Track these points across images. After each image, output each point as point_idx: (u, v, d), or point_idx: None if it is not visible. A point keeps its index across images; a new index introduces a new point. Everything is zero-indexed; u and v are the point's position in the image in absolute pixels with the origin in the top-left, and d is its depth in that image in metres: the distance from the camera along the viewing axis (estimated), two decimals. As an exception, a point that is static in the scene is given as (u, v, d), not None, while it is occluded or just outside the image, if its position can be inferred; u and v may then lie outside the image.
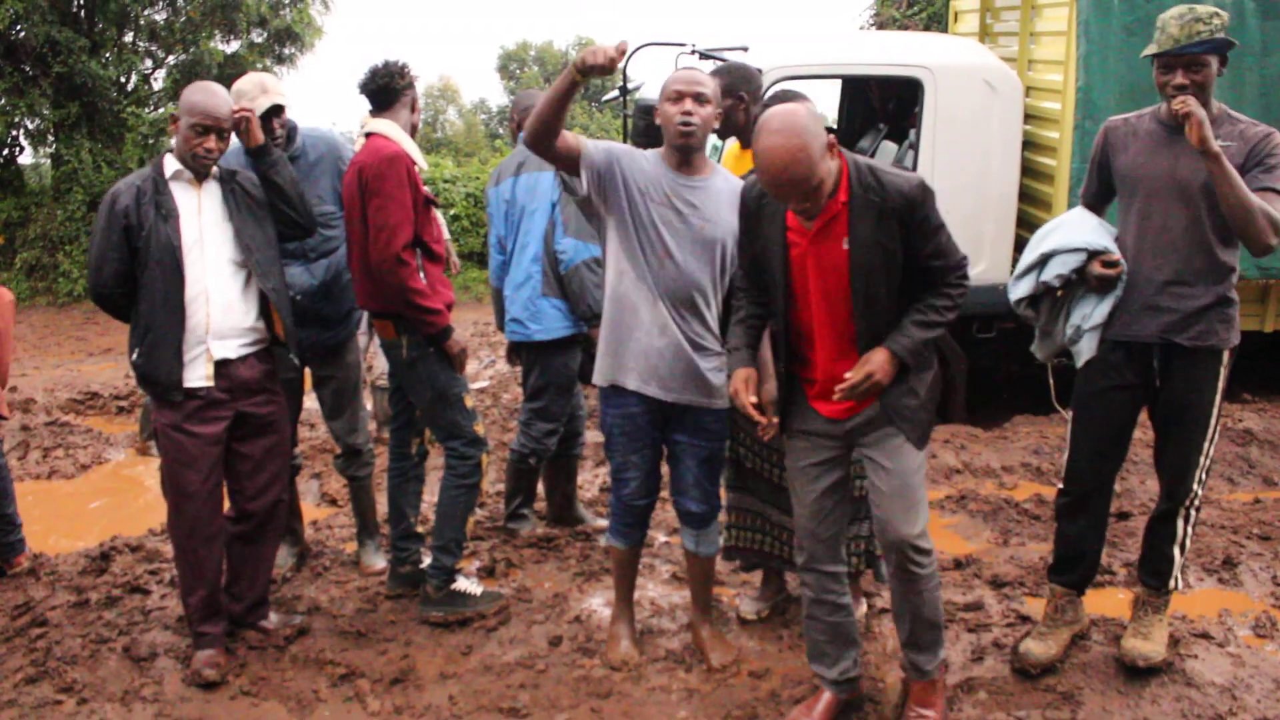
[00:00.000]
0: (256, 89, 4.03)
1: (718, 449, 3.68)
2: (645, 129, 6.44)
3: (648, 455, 3.66)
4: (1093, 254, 3.52)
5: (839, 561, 3.33)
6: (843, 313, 3.02)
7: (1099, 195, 3.70)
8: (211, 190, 3.73)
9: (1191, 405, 3.49)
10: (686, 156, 3.45)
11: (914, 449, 3.13)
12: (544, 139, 3.29)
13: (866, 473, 3.24)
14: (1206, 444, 3.51)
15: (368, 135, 3.91)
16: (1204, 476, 3.55)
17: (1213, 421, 3.49)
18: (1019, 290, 3.69)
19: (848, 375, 2.96)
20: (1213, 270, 3.40)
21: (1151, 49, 3.38)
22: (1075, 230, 3.62)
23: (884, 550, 3.25)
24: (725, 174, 3.60)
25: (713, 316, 3.55)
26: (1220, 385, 3.47)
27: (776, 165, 2.78)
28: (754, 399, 3.13)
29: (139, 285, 3.62)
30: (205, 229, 3.67)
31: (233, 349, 3.71)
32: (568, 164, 3.38)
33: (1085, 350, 3.58)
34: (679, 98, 3.39)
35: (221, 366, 3.68)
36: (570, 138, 3.33)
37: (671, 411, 3.58)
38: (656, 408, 3.56)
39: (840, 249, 2.96)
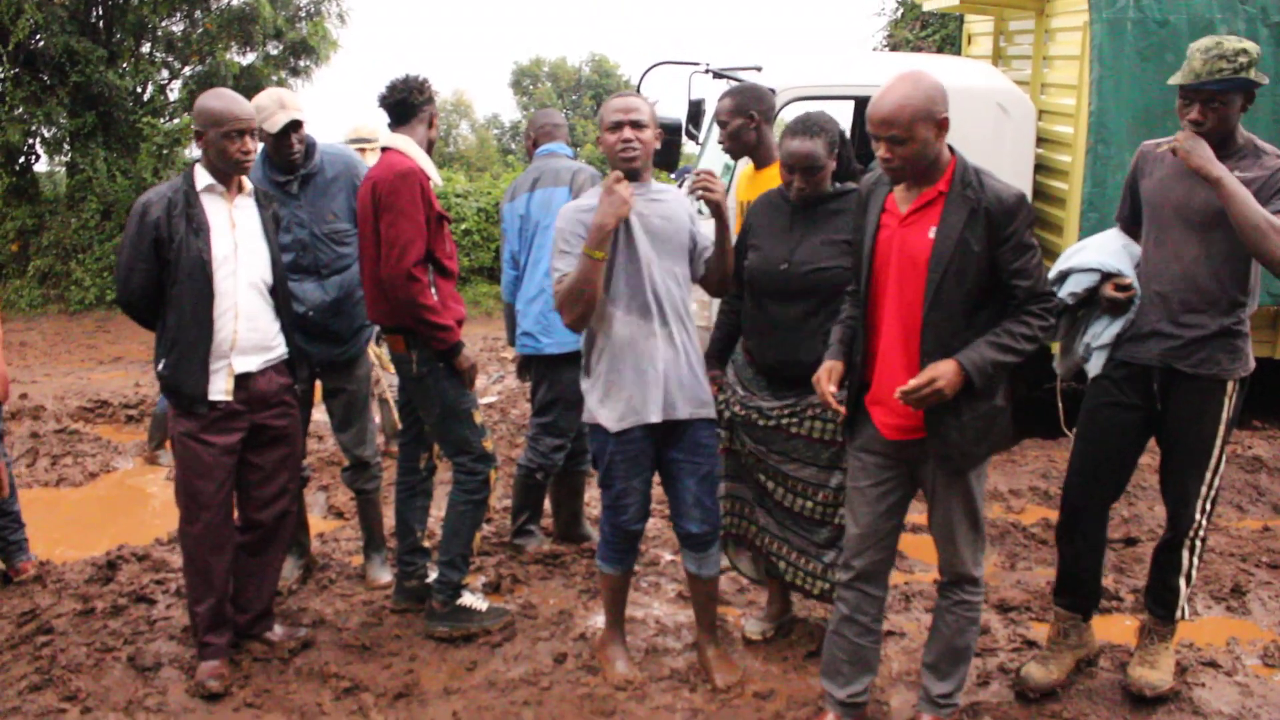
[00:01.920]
0: (275, 104, 4.07)
1: (714, 464, 3.70)
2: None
3: (646, 479, 3.68)
4: (1106, 276, 3.56)
5: (882, 587, 3.33)
6: (914, 306, 3.01)
7: (1131, 218, 3.71)
8: (245, 206, 3.75)
9: (1192, 433, 3.47)
10: (635, 178, 3.52)
11: (959, 483, 3.12)
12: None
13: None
14: (1209, 473, 3.49)
15: (383, 150, 3.92)
16: (1209, 506, 3.53)
17: (1215, 451, 3.47)
18: None
19: (912, 380, 2.93)
20: (1219, 300, 3.38)
21: (1176, 78, 3.38)
22: (1096, 251, 3.68)
23: (939, 570, 3.32)
24: (663, 185, 3.69)
25: (691, 321, 3.64)
26: (1224, 415, 3.44)
27: (885, 97, 2.91)
28: (834, 388, 3.20)
29: (168, 297, 3.63)
30: (239, 244, 3.69)
31: (254, 363, 3.73)
32: None
33: (1094, 369, 3.63)
34: (618, 127, 3.48)
35: (241, 379, 3.70)
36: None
37: (670, 432, 3.59)
38: (656, 430, 3.58)
39: (926, 237, 2.98)
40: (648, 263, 3.51)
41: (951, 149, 3.02)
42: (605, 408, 3.57)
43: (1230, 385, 3.43)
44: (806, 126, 3.56)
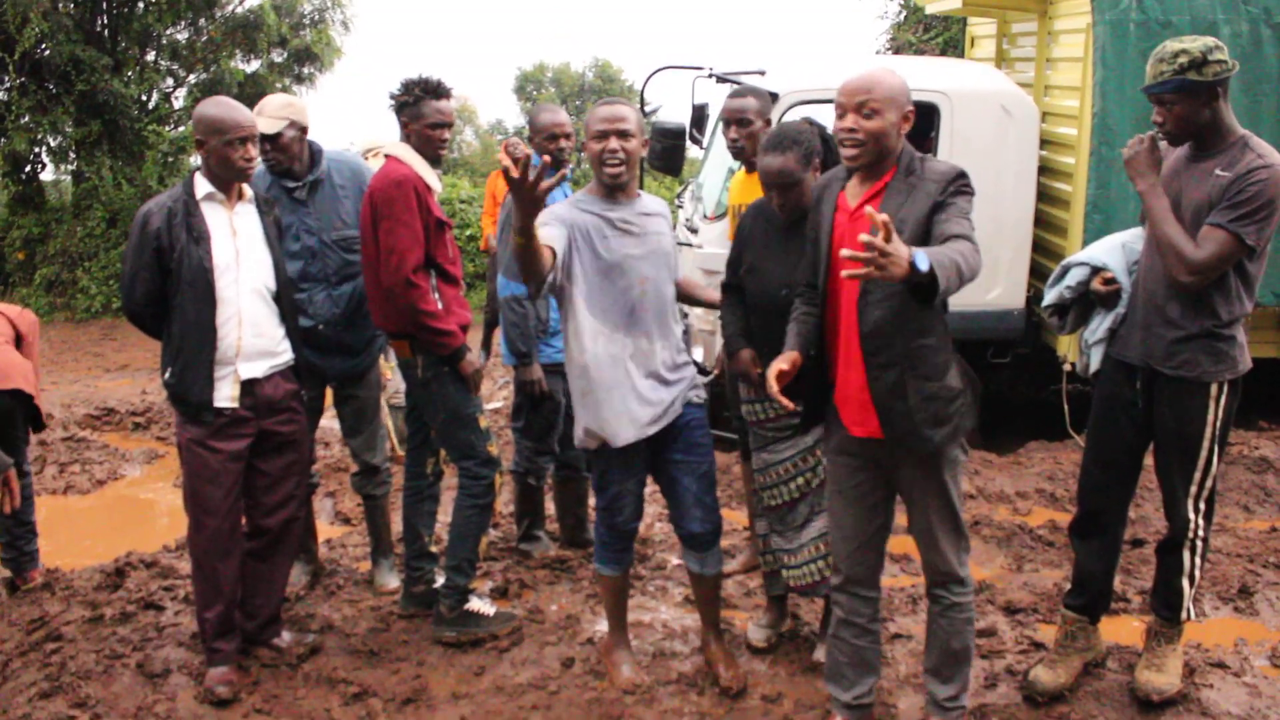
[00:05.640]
0: (275, 108, 4.09)
1: (711, 462, 3.69)
2: (662, 151, 6.47)
3: (641, 479, 3.68)
4: (1095, 270, 3.62)
5: (874, 587, 3.33)
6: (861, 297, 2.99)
7: None
8: (245, 213, 3.75)
9: (1177, 434, 3.46)
10: (622, 188, 3.49)
11: (934, 482, 3.11)
12: (540, 285, 3.27)
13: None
14: (1198, 474, 3.47)
15: (386, 157, 3.93)
16: (1203, 507, 3.51)
17: (1203, 454, 3.44)
18: (1047, 298, 3.78)
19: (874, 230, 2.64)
20: (1199, 303, 3.35)
21: None
22: (1097, 246, 3.73)
23: (923, 572, 3.29)
24: (646, 195, 3.66)
25: (679, 329, 3.65)
26: (1211, 418, 3.41)
27: (858, 73, 2.98)
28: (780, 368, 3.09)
29: (171, 306, 3.64)
30: (241, 251, 3.69)
31: (260, 369, 3.74)
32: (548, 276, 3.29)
33: (1093, 364, 3.67)
34: (603, 136, 3.41)
35: (247, 385, 3.71)
36: (546, 258, 3.20)
37: (666, 431, 3.58)
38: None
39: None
40: (643, 281, 3.48)
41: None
42: (583, 431, 3.54)
43: (1215, 388, 3.40)
44: (778, 141, 3.51)
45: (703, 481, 3.65)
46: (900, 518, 3.33)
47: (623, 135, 3.41)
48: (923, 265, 2.53)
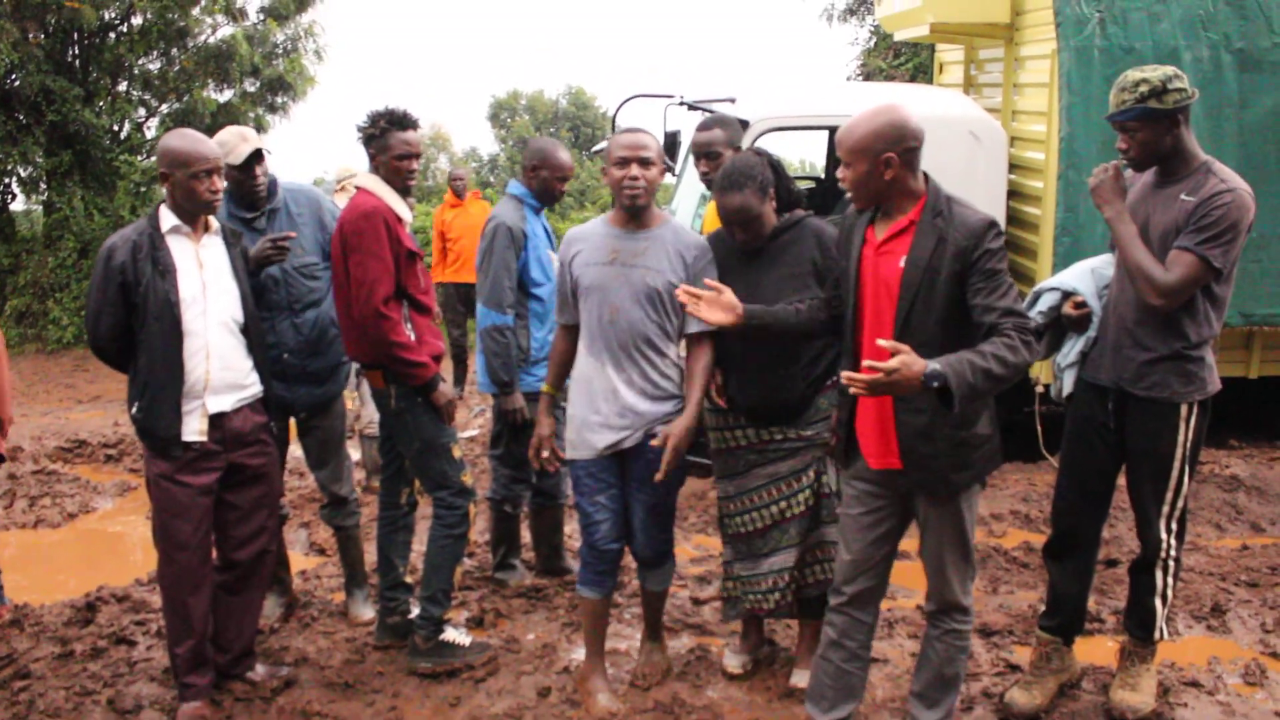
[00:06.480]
0: (237, 138, 4.11)
1: (665, 499, 3.73)
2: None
3: (615, 496, 3.72)
4: (1067, 295, 3.67)
5: (872, 613, 3.35)
6: (887, 333, 3.01)
7: None
8: (212, 245, 3.74)
9: (1149, 455, 3.51)
10: (635, 215, 3.62)
11: (950, 512, 3.13)
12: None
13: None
14: (1170, 494, 3.51)
15: (357, 189, 3.93)
16: (1175, 527, 3.55)
17: (1174, 473, 3.49)
18: None
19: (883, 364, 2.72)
20: (1169, 326, 3.41)
21: None
22: (1067, 271, 3.79)
23: (927, 597, 3.32)
24: (675, 225, 3.71)
25: (668, 363, 3.66)
26: (1181, 438, 3.46)
27: (859, 117, 3.02)
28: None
29: (138, 340, 3.61)
30: (207, 284, 3.67)
31: (228, 403, 3.71)
32: None
33: (1066, 387, 3.71)
34: (625, 163, 3.54)
35: (216, 419, 3.68)
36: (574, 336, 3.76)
37: (627, 457, 3.66)
38: (617, 452, 3.66)
39: (896, 266, 3.03)
40: (613, 310, 3.58)
41: (928, 178, 3.07)
42: (564, 434, 3.77)
43: (1185, 408, 3.45)
44: (733, 180, 3.55)
45: (651, 514, 3.72)
46: (903, 543, 3.37)
47: (644, 163, 3.56)
48: (933, 382, 2.72)
